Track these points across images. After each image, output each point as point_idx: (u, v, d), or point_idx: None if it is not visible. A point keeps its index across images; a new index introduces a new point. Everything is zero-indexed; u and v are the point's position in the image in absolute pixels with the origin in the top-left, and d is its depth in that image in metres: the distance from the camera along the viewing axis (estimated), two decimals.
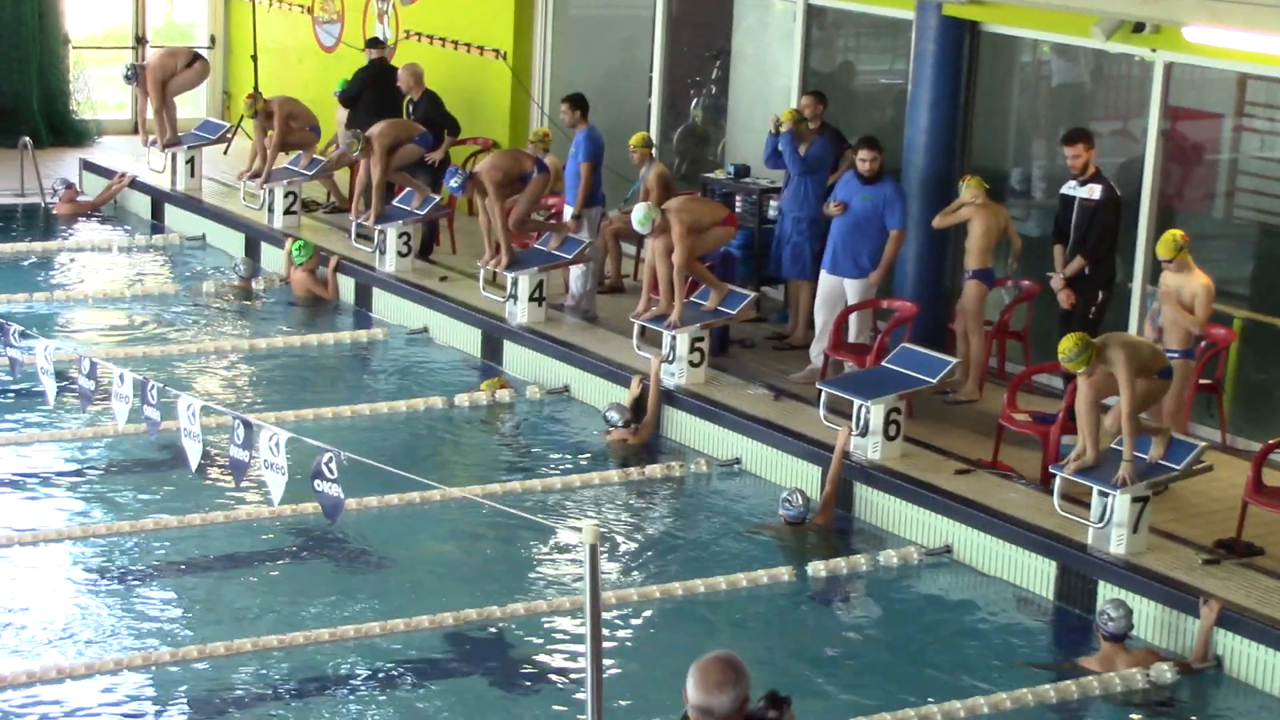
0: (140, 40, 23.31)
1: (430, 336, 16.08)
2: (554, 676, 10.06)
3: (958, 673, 10.29)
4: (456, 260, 17.25)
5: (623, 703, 9.50)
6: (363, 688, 9.81)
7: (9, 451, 12.92)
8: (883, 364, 12.98)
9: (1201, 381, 12.68)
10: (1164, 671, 10.13)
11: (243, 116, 20.01)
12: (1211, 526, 11.50)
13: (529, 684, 9.99)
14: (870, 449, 12.47)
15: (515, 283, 15.39)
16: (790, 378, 14.23)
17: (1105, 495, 11.02)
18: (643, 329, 14.26)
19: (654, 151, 16.24)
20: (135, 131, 21.19)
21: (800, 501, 12.05)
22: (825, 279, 14.12)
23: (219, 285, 17.29)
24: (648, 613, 10.92)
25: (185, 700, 9.59)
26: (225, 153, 20.56)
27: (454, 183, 15.37)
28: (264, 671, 9.88)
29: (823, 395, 13.01)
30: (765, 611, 11.08)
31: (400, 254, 16.81)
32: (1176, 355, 11.99)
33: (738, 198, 16.08)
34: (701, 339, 14.00)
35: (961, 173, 14.13)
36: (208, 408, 10.02)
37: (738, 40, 17.44)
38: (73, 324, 16.26)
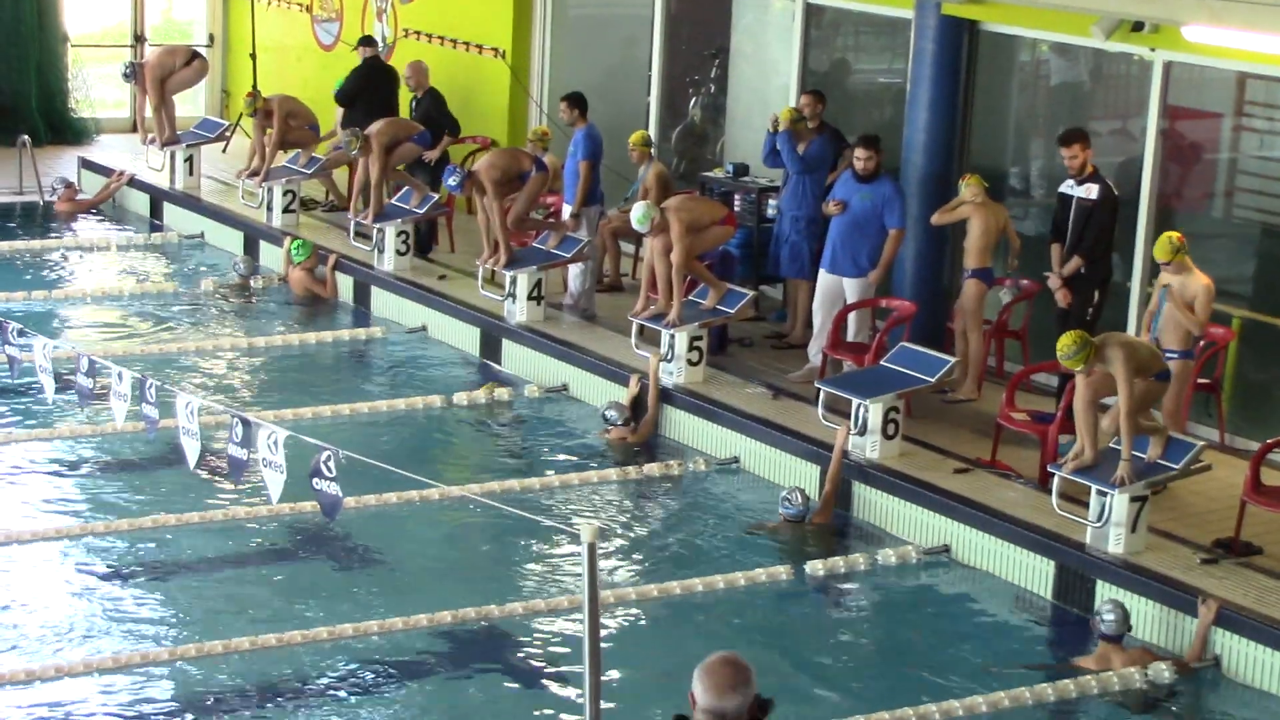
0: (139, 38, 23.30)
1: (429, 335, 16.08)
2: (552, 676, 10.06)
3: (956, 672, 10.29)
4: (455, 259, 17.25)
5: (621, 702, 9.50)
6: (361, 686, 9.81)
7: (7, 449, 12.91)
8: (881, 363, 12.98)
9: (1200, 381, 12.68)
10: (1162, 671, 10.14)
11: (241, 115, 20.00)
12: (1210, 526, 11.50)
13: (527, 683, 9.99)
14: (869, 448, 12.47)
15: (514, 281, 15.39)
16: (789, 377, 14.23)
17: (1104, 494, 11.03)
18: (641, 328, 14.26)
19: (653, 150, 16.23)
20: (134, 130, 21.18)
21: (800, 500, 12.05)
22: (824, 278, 14.12)
23: (218, 284, 17.29)
24: (646, 612, 10.92)
25: (183, 699, 9.58)
26: (224, 151, 20.56)
27: (452, 181, 15.38)
28: (262, 670, 9.88)
29: (821, 394, 13.01)
30: (764, 611, 11.08)
31: (399, 252, 16.81)
32: (1176, 356, 11.99)
33: (736, 196, 16.08)
34: (700, 338, 14.00)
35: (960, 172, 14.13)
36: (206, 406, 10.01)
37: (736, 39, 17.44)
38: (71, 322, 16.26)
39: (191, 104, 22.37)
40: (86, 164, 20.80)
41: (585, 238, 15.59)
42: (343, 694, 9.73)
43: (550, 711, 9.66)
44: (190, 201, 19.34)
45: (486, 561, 11.65)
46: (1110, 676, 10.08)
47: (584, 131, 15.82)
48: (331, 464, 8.72)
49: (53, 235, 18.96)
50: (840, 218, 13.92)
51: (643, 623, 10.82)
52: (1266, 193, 13.66)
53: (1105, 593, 10.81)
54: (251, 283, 17.31)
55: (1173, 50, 13.20)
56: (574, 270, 15.78)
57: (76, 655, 9.91)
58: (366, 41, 19.09)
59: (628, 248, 16.90)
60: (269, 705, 9.57)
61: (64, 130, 22.31)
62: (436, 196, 16.93)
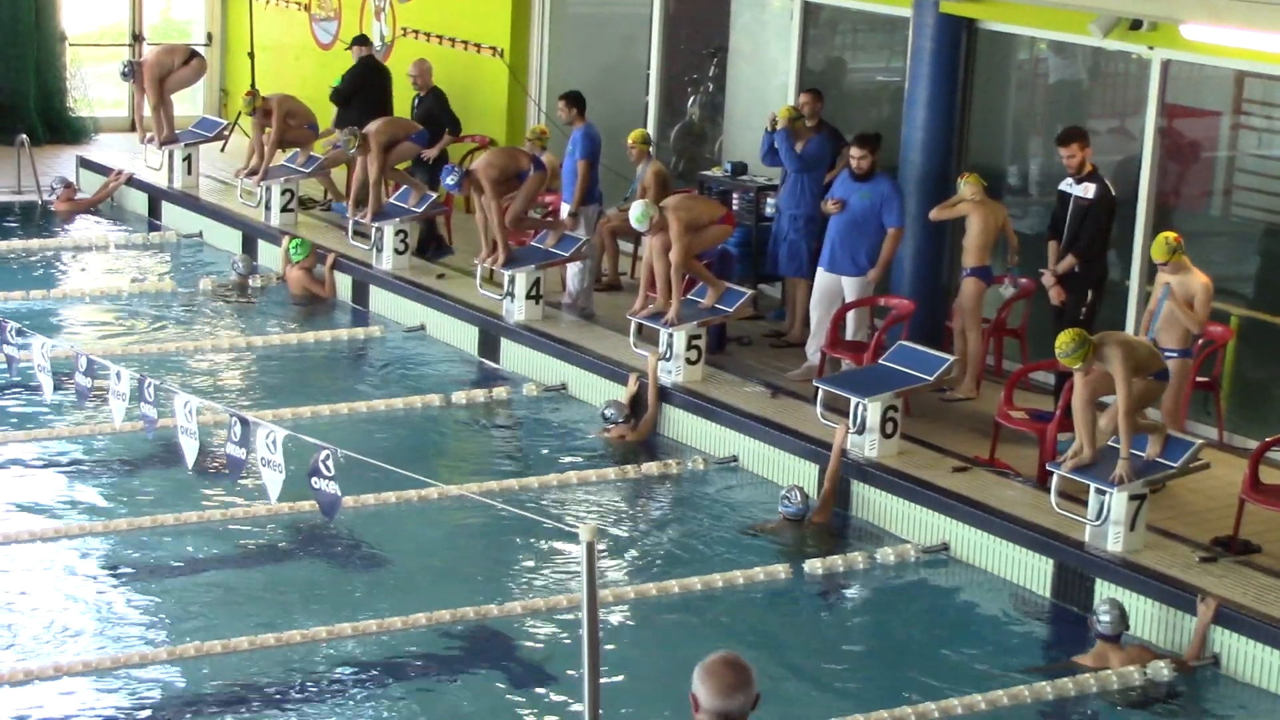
0: (137, 38, 23.30)
1: (427, 334, 16.08)
2: (551, 674, 10.05)
3: (955, 671, 10.29)
4: (453, 258, 17.24)
5: (620, 701, 9.50)
6: (360, 686, 9.81)
7: (5, 449, 12.91)
8: (880, 361, 12.98)
9: (1199, 379, 12.69)
10: (1161, 669, 10.14)
11: (240, 114, 20.00)
12: (1208, 524, 11.50)
13: (527, 682, 9.98)
14: (867, 446, 12.47)
15: (512, 280, 15.39)
16: (787, 375, 14.23)
17: (1102, 493, 11.03)
18: (640, 326, 14.26)
19: (651, 149, 16.23)
20: (132, 129, 21.17)
21: (798, 499, 12.05)
22: (822, 277, 14.12)
23: (216, 283, 17.29)
24: (645, 611, 10.92)
25: (182, 699, 9.58)
26: (222, 150, 20.55)
27: (450, 180, 15.38)
28: (261, 669, 9.88)
29: (820, 393, 13.01)
30: (763, 610, 11.08)
31: (397, 251, 16.81)
32: (1175, 355, 11.99)
33: (735, 195, 16.08)
34: (699, 336, 14.00)
35: (959, 170, 14.14)
36: (205, 405, 10.00)
37: (735, 38, 17.44)
38: (70, 321, 16.25)
39: (190, 103, 22.37)
40: (85, 163, 20.80)
41: (584, 237, 15.58)
42: (342, 693, 9.73)
43: (549, 711, 9.66)
44: (189, 200, 19.34)
45: (485, 561, 11.64)
46: (1109, 675, 10.08)
47: (582, 130, 15.82)
48: (330, 463, 8.71)
49: (51, 234, 18.95)
50: (839, 216, 13.92)
51: (642, 622, 10.81)
52: (1265, 191, 13.66)
53: (1104, 591, 10.81)
54: (250, 282, 17.31)
55: (1171, 48, 13.20)
56: (572, 269, 15.78)
57: (75, 655, 9.90)
58: (361, 40, 19.08)
59: (626, 246, 16.89)
60: (268, 705, 9.57)
61: (62, 129, 22.30)
62: (435, 195, 16.92)
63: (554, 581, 11.24)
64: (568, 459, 13.33)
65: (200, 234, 18.89)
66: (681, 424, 13.70)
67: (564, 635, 10.47)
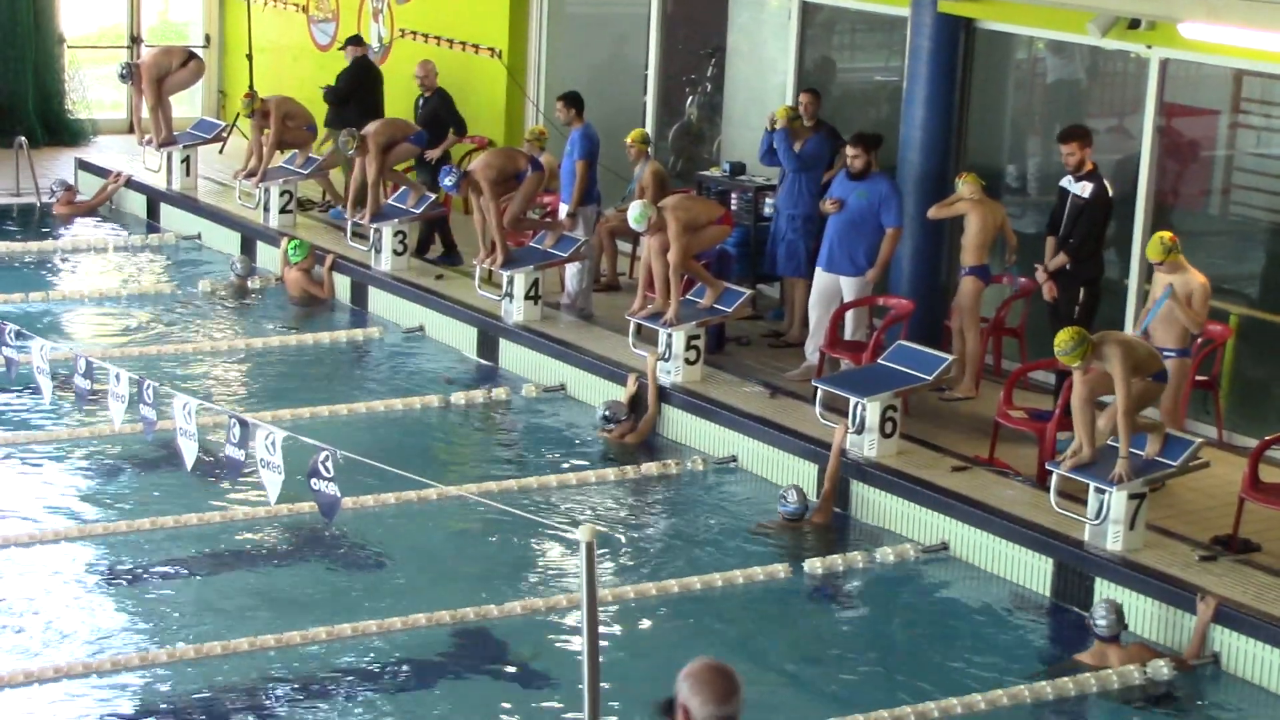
0: (135, 39, 23.30)
1: (426, 335, 16.08)
2: (551, 675, 10.05)
3: (955, 670, 10.29)
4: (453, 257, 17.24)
5: (620, 700, 9.50)
6: (360, 687, 9.81)
7: (5, 451, 12.91)
8: (879, 361, 12.98)
9: (1198, 378, 12.69)
10: (1161, 668, 10.14)
11: (238, 115, 20.01)
12: (1208, 523, 11.50)
13: (526, 682, 9.98)
14: (866, 446, 12.47)
15: (511, 281, 15.39)
16: (786, 375, 14.23)
17: (1102, 492, 11.03)
18: (639, 327, 14.26)
19: (650, 149, 16.24)
20: (131, 131, 21.18)
21: (795, 498, 12.05)
22: (821, 276, 14.12)
23: (215, 284, 17.29)
24: (645, 610, 10.92)
25: (182, 700, 9.58)
26: (221, 152, 20.56)
27: (448, 181, 15.38)
28: (260, 671, 9.88)
29: (819, 393, 13.01)
30: (762, 609, 11.07)
31: (396, 252, 16.81)
32: (1173, 354, 11.99)
33: (733, 195, 16.08)
34: (697, 337, 14.00)
35: (957, 170, 14.14)
36: (204, 407, 10.00)
37: (733, 38, 17.44)
38: (69, 323, 16.25)
39: (188, 105, 22.37)
40: (83, 165, 20.80)
41: (582, 237, 15.58)
42: (341, 694, 9.72)
43: (550, 711, 9.66)
44: (187, 202, 19.34)
45: (485, 561, 11.64)
46: (1109, 674, 10.08)
47: (580, 131, 15.82)
48: (329, 464, 8.71)
49: (50, 236, 18.95)
50: (837, 216, 13.92)
51: (641, 622, 10.81)
52: (1264, 190, 13.65)
53: (1104, 590, 10.81)
54: (249, 283, 17.31)
55: (1169, 47, 13.20)
56: (571, 270, 15.78)
57: (75, 657, 9.90)
58: (355, 41, 19.06)
59: (625, 247, 16.89)
60: (268, 706, 9.56)
61: (61, 131, 22.30)
62: (434, 196, 16.92)
63: (553, 582, 11.24)
64: (567, 460, 13.33)
65: (199, 236, 18.89)
66: (680, 424, 13.70)
67: (564, 636, 10.46)
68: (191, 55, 20.15)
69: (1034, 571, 11.32)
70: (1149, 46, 13.40)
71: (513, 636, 10.47)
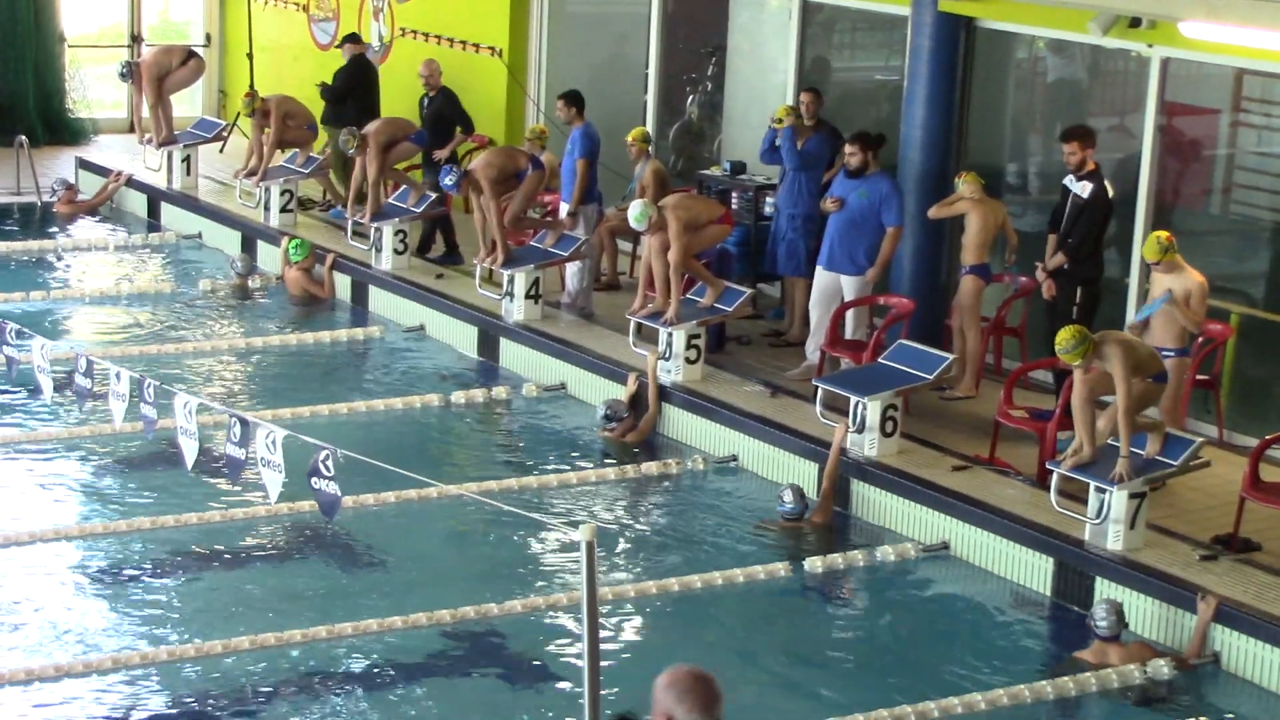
0: (136, 38, 23.30)
1: (427, 334, 16.08)
2: (552, 673, 10.05)
3: (955, 669, 10.29)
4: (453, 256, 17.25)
5: (621, 699, 9.49)
6: (360, 685, 9.81)
7: (6, 450, 12.91)
8: (879, 360, 12.98)
9: (1199, 377, 12.69)
10: (1161, 667, 10.14)
11: (239, 114, 20.01)
12: (1208, 522, 11.50)
13: (527, 681, 9.98)
14: (867, 445, 12.47)
15: (511, 280, 15.39)
16: (786, 374, 14.23)
17: (1102, 491, 11.02)
18: (639, 326, 14.26)
19: (650, 148, 16.24)
20: (131, 130, 21.18)
21: (791, 497, 12.04)
22: (821, 275, 14.11)
23: (215, 283, 17.29)
24: (645, 609, 10.92)
25: (183, 698, 9.58)
26: (221, 151, 20.56)
27: (449, 180, 15.38)
28: (261, 669, 9.88)
29: (819, 392, 13.01)
30: (762, 607, 11.08)
31: (396, 251, 16.81)
32: (1172, 354, 11.98)
33: (734, 194, 16.08)
34: (698, 336, 14.00)
35: (958, 169, 14.13)
36: (204, 406, 10.00)
37: (733, 37, 17.44)
38: (69, 322, 16.26)
39: (189, 104, 22.37)
40: (84, 164, 20.80)
41: (583, 236, 15.58)
42: (343, 693, 9.72)
43: (550, 709, 9.66)
44: (188, 201, 19.34)
45: (485, 560, 11.64)
46: (1109, 674, 10.08)
47: (581, 130, 15.81)
48: (330, 463, 8.71)
49: (51, 235, 18.95)
50: (838, 215, 13.92)
51: (642, 620, 10.81)
52: (1264, 189, 13.65)
53: (1104, 589, 10.81)
54: (249, 282, 17.31)
55: (1170, 46, 13.20)
56: (571, 269, 15.78)
57: (76, 655, 9.90)
58: (352, 39, 19.05)
59: (625, 246, 16.89)
60: (268, 704, 9.56)
61: (61, 130, 22.31)
62: (434, 196, 16.92)
63: (554, 581, 11.24)
64: (567, 459, 13.33)
65: (199, 235, 18.89)
66: (681, 423, 13.70)
67: (564, 634, 10.46)
68: (192, 54, 20.14)
69: (1034, 571, 11.32)
70: (1150, 45, 13.40)
71: (513, 635, 10.47)
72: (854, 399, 12.50)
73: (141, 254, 18.54)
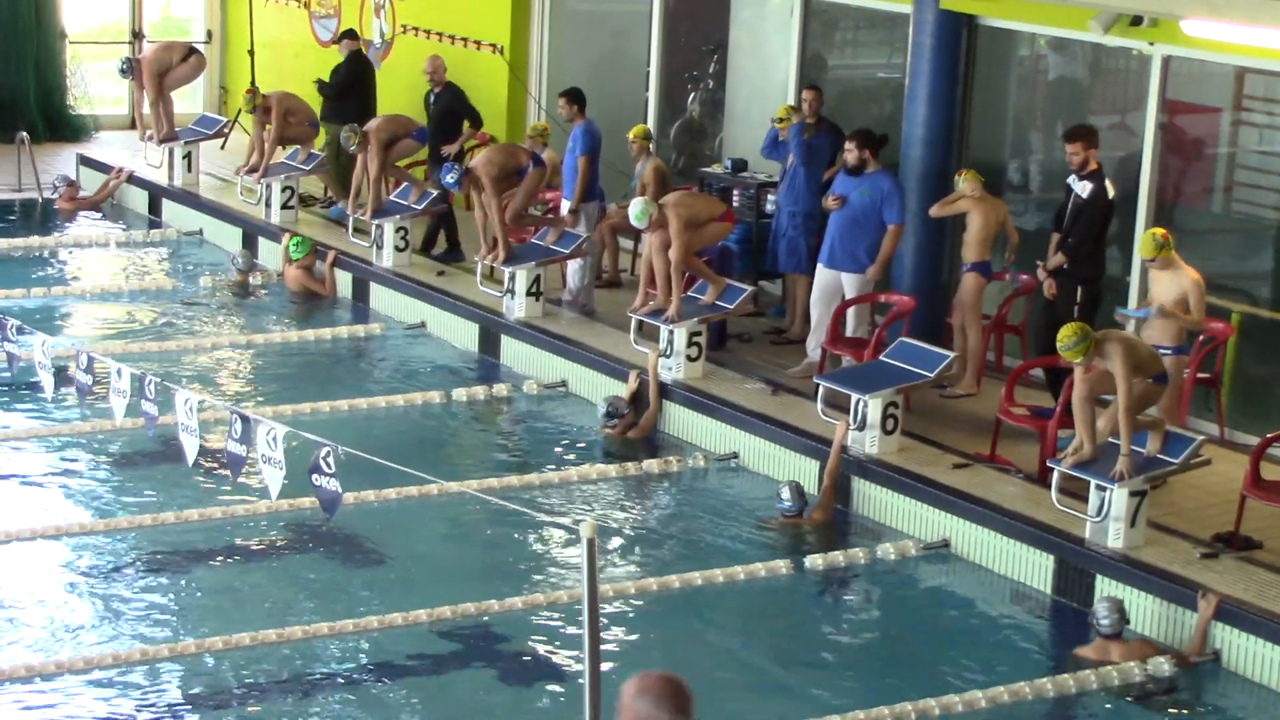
0: (137, 35, 23.30)
1: (428, 331, 16.08)
2: (552, 670, 10.06)
3: (955, 666, 10.29)
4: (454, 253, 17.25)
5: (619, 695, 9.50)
6: (361, 682, 9.81)
7: (6, 447, 12.91)
8: (880, 358, 12.98)
9: (1200, 375, 12.69)
10: (1162, 665, 10.14)
11: (240, 111, 20.00)
12: (1209, 520, 11.50)
13: (527, 678, 9.99)
14: (868, 443, 12.47)
15: (513, 277, 15.38)
16: (787, 372, 14.22)
17: (1103, 489, 11.02)
18: (640, 323, 14.26)
19: (651, 145, 16.23)
20: (133, 126, 21.17)
21: (789, 495, 12.03)
22: (822, 273, 14.11)
23: (216, 280, 17.29)
24: (646, 606, 10.92)
25: (183, 695, 9.59)
26: (223, 148, 20.55)
27: (450, 178, 15.37)
28: (262, 666, 9.88)
29: (820, 389, 13.01)
30: (763, 605, 11.08)
31: (398, 249, 16.81)
32: (1169, 352, 11.98)
33: (735, 192, 16.07)
34: (699, 333, 14.00)
35: (959, 167, 14.13)
36: (205, 402, 10.00)
37: (735, 34, 17.43)
38: (70, 319, 16.26)
39: (190, 100, 22.37)
40: (85, 161, 20.80)
41: (584, 233, 15.58)
42: (343, 689, 9.73)
43: (550, 706, 9.67)
44: (189, 198, 19.34)
45: (486, 557, 11.65)
46: (1110, 671, 10.08)
47: (582, 127, 15.81)
48: (331, 460, 8.71)
49: (51, 232, 18.96)
50: (839, 213, 13.91)
51: (642, 617, 10.81)
52: (1266, 187, 13.65)
53: (1104, 587, 10.81)
54: (250, 279, 17.31)
55: (1171, 44, 13.20)
56: (573, 266, 15.78)
57: (77, 652, 9.91)
58: (349, 35, 19.04)
59: (626, 243, 16.89)
60: (270, 701, 9.57)
61: (63, 127, 22.31)
62: (435, 193, 16.92)
63: (555, 577, 11.24)
64: (568, 456, 13.33)
65: (200, 231, 18.89)
66: (682, 421, 13.69)
67: (565, 631, 10.47)
68: (192, 50, 20.13)
69: (1035, 568, 11.32)
70: (1151, 43, 13.39)
71: (514, 632, 10.47)
72: (855, 396, 12.51)
73: (142, 251, 18.54)
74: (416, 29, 20.08)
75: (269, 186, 18.21)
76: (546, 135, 16.78)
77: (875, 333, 13.52)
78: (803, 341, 14.56)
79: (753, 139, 16.02)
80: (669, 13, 18.06)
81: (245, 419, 9.37)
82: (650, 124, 17.75)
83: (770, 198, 15.76)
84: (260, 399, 14.17)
